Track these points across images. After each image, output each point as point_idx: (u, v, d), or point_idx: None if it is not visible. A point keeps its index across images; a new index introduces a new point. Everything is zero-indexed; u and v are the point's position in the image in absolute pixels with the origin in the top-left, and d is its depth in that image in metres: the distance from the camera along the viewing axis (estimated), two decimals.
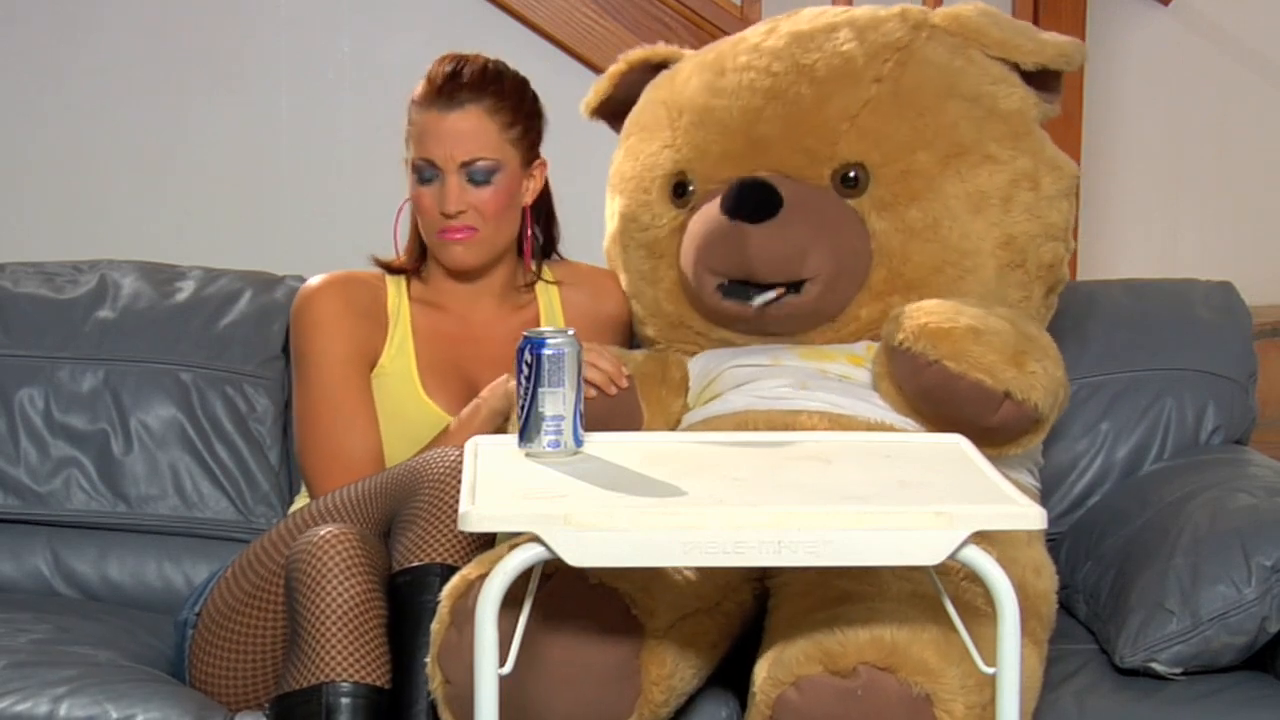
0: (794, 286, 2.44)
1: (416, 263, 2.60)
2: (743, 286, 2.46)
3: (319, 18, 3.67)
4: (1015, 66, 2.50)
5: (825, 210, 2.44)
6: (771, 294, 2.44)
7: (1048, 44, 2.50)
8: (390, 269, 2.61)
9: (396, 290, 2.59)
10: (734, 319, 2.50)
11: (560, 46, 3.60)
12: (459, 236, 2.51)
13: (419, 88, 2.52)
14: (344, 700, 2.09)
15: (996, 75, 2.50)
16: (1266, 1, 4.23)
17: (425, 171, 2.50)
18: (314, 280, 2.57)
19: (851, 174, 2.45)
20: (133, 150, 3.66)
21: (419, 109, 2.51)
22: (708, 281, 2.48)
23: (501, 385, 2.42)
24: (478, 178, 2.50)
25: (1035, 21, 3.74)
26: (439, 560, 2.18)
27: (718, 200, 2.45)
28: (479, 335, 2.57)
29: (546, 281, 2.64)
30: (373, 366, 2.53)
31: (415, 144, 2.51)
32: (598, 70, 3.50)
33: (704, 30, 3.56)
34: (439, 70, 2.52)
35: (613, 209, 2.66)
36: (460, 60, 2.52)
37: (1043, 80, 2.52)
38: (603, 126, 2.75)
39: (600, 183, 2.69)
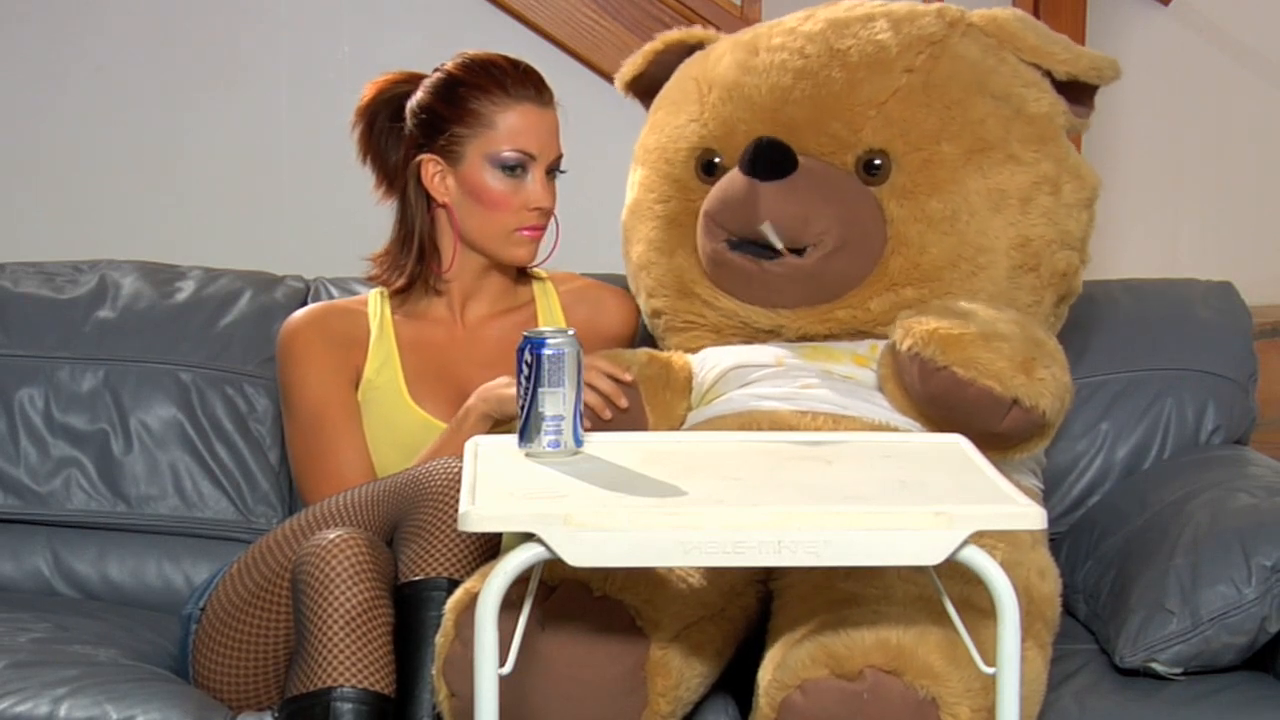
0: (798, 253, 2.45)
1: (419, 277, 2.55)
2: (751, 246, 2.46)
3: (319, 18, 3.67)
4: (1047, 75, 2.52)
5: (842, 186, 2.45)
6: (778, 243, 2.43)
7: (1081, 55, 2.51)
8: (397, 290, 2.55)
9: (378, 308, 2.56)
10: (739, 276, 2.48)
11: (560, 46, 3.59)
12: (539, 234, 2.51)
13: (484, 79, 2.46)
14: (348, 705, 2.09)
15: (1028, 79, 2.51)
16: (1266, 1, 4.23)
17: (514, 164, 2.46)
18: (294, 315, 2.55)
19: (875, 161, 2.46)
20: (133, 150, 3.65)
21: (503, 98, 2.46)
22: (718, 235, 2.48)
23: (489, 389, 2.40)
24: (554, 174, 2.52)
25: None
26: (443, 574, 2.18)
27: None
28: (471, 338, 2.56)
29: (539, 279, 2.64)
30: (357, 385, 2.51)
31: (502, 136, 2.46)
32: (598, 70, 3.50)
33: None
34: (505, 63, 2.48)
35: (634, 180, 2.66)
36: (508, 59, 2.50)
37: (1074, 93, 2.53)
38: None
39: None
